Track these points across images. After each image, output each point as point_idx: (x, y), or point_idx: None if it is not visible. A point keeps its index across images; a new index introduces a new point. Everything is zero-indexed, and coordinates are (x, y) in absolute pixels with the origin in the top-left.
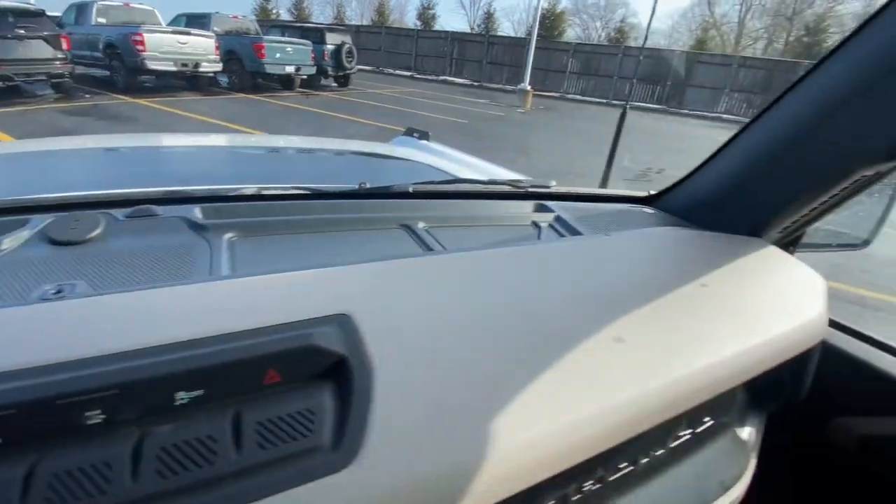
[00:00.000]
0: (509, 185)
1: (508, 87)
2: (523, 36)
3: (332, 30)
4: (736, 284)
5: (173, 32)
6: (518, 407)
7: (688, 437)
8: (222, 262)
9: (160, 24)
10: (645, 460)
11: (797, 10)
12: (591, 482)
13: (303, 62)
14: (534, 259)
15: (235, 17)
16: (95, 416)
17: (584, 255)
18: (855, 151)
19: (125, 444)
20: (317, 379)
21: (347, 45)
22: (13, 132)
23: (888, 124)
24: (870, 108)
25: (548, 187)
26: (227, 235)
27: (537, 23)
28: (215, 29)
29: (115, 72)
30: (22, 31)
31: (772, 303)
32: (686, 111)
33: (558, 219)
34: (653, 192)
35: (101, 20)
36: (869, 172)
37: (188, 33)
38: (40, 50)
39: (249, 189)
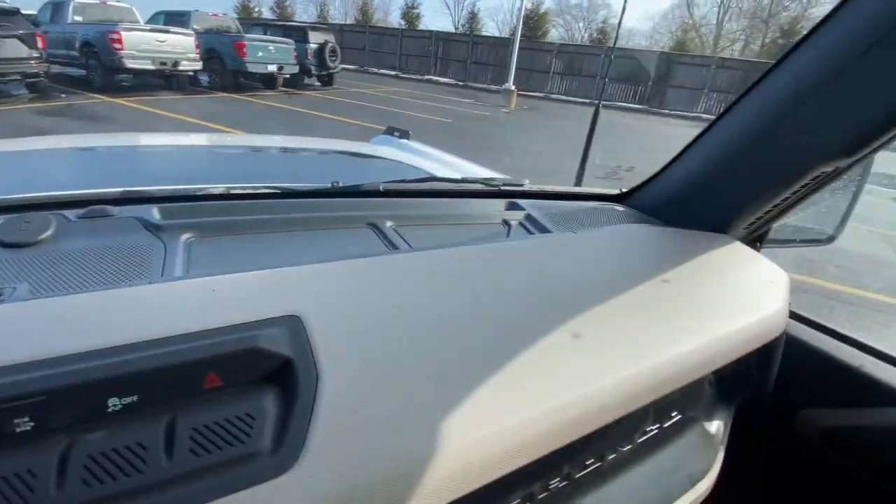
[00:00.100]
0: (482, 183)
1: (493, 87)
2: (507, 36)
3: (315, 28)
4: (698, 279)
5: (151, 30)
6: (469, 406)
7: (655, 431)
8: (176, 263)
9: (138, 21)
10: (612, 456)
11: (773, 12)
12: (557, 479)
13: (285, 61)
14: (498, 257)
15: (216, 14)
16: (24, 424)
17: (549, 252)
18: (813, 149)
19: (52, 452)
20: (261, 382)
21: (331, 44)
22: None
23: (841, 123)
24: (824, 108)
25: (520, 185)
26: (185, 236)
27: (521, 23)
28: (195, 27)
29: (91, 71)
30: None
31: (732, 297)
32: (667, 111)
33: (529, 217)
34: (624, 190)
35: (78, 18)
36: (828, 169)
37: (167, 31)
38: (15, 49)
39: (216, 188)
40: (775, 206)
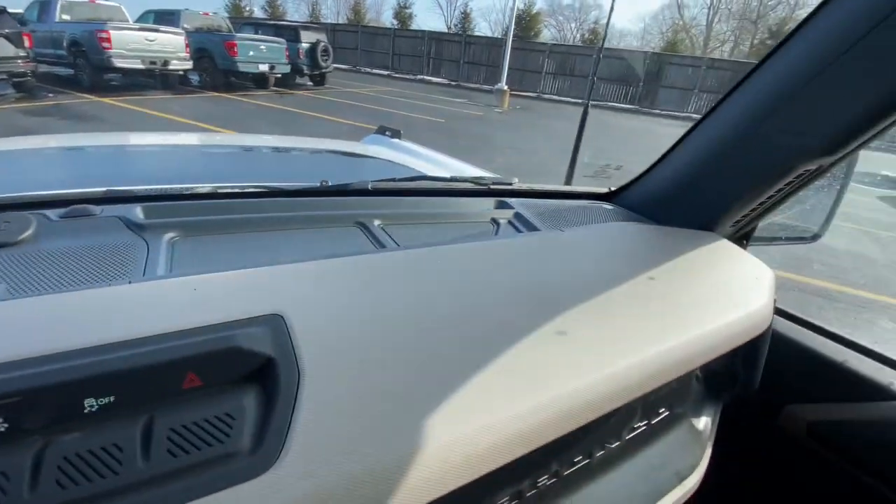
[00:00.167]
0: (471, 182)
1: (486, 87)
2: (500, 36)
3: (307, 28)
4: (685, 276)
5: (141, 29)
6: (453, 403)
7: (643, 428)
8: (159, 262)
9: (127, 20)
10: (601, 453)
11: (761, 14)
12: (546, 477)
13: (277, 60)
14: (486, 255)
15: (206, 14)
16: None
17: (536, 250)
18: (796, 147)
19: (26, 454)
20: (242, 382)
21: (323, 44)
22: None
23: (823, 122)
24: (806, 107)
25: (510, 184)
26: (169, 235)
27: (513, 23)
28: (185, 26)
29: (79, 70)
30: None
31: (719, 293)
32: (658, 111)
33: (517, 215)
34: (612, 189)
35: (66, 17)
36: (811, 167)
37: (156, 30)
38: (1, 48)
39: (201, 188)
40: (761, 203)
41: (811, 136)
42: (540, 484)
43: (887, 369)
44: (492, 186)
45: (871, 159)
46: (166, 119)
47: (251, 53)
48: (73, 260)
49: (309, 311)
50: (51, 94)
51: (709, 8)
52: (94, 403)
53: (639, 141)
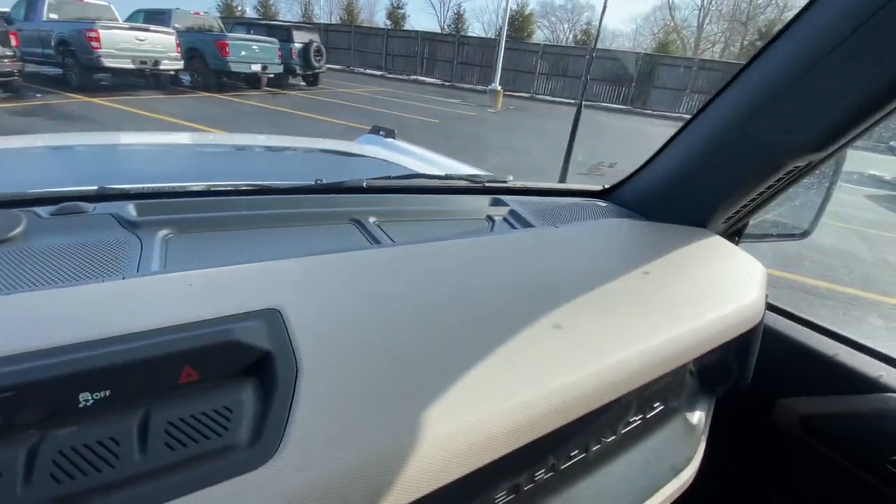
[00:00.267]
0: (466, 179)
1: (479, 87)
2: (493, 37)
3: (299, 28)
4: (678, 272)
5: (131, 29)
6: (450, 396)
7: (638, 422)
8: (153, 259)
9: (116, 19)
10: (597, 447)
11: (751, 15)
12: (542, 471)
13: (269, 60)
14: (480, 251)
15: (197, 13)
16: None
17: (531, 246)
18: (785, 145)
19: (20, 449)
20: (239, 376)
21: (316, 44)
22: None
23: (811, 120)
24: (794, 105)
25: (504, 182)
26: (163, 232)
27: (506, 24)
28: (176, 25)
29: (68, 70)
30: None
31: (712, 288)
32: (650, 111)
33: (512, 212)
34: (606, 186)
35: (53, 16)
36: (801, 164)
37: (147, 30)
38: None
39: (195, 185)
40: (752, 200)
41: (800, 133)
42: (537, 478)
43: (877, 362)
44: (487, 184)
45: (859, 159)
46: (157, 119)
47: (243, 53)
48: (65, 257)
49: (306, 306)
50: (38, 94)
51: (700, 10)
52: (90, 398)
53: (631, 141)
